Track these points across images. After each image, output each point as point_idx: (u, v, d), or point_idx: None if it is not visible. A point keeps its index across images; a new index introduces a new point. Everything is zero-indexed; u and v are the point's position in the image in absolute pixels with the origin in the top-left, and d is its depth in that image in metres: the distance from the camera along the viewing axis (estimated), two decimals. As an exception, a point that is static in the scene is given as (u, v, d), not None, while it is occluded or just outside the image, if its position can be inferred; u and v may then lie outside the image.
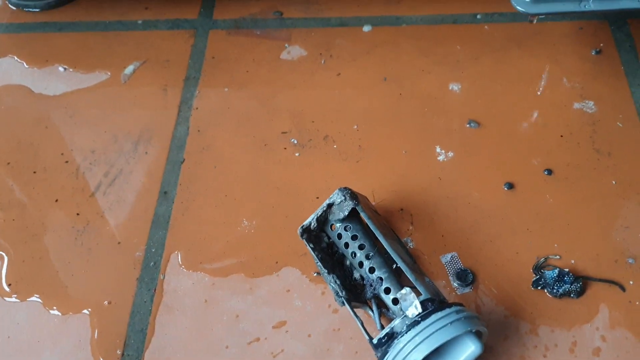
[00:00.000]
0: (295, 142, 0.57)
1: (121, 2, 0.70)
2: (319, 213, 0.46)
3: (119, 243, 0.52)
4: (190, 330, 0.47)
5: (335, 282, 0.43)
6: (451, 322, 0.38)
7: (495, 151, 0.55)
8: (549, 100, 0.58)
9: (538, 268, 0.47)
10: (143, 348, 0.46)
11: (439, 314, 0.38)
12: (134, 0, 0.70)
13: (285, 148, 0.57)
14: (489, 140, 0.55)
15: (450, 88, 0.60)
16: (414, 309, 0.39)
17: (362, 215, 0.45)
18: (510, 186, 0.52)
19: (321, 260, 0.45)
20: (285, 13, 0.68)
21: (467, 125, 0.56)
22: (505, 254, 0.49)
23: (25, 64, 0.66)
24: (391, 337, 0.39)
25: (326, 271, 0.44)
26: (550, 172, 0.53)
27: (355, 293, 0.44)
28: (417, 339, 0.37)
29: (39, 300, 0.49)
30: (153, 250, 0.51)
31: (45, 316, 0.49)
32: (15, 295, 0.50)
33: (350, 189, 0.46)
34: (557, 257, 0.48)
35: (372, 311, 0.43)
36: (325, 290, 0.48)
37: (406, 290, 0.40)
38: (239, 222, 0.52)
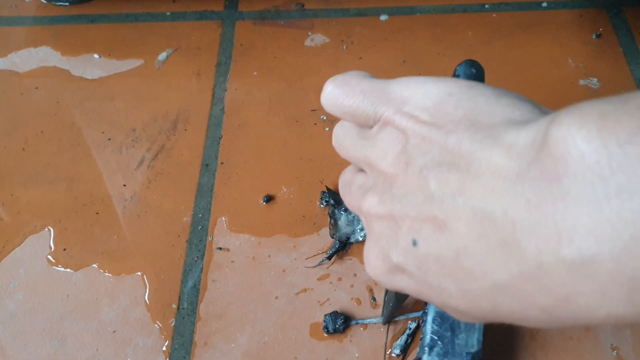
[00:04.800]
0: (324, 118, 0.61)
1: (149, -4, 0.75)
2: None
3: (166, 210, 0.55)
4: (241, 284, 0.51)
5: None
6: None
7: (511, 122, 0.59)
8: (557, 78, 0.63)
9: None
10: (197, 301, 0.50)
11: None
12: (162, -6, 0.75)
13: (315, 124, 0.61)
14: (505, 114, 0.60)
15: (465, 69, 0.64)
16: None
17: None
18: (527, 152, 0.57)
19: None
20: (307, 5, 0.73)
21: (484, 101, 0.61)
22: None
23: (60, 53, 0.70)
24: None
25: None
26: (562, 139, 0.58)
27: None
28: None
29: (94, 263, 0.53)
30: (200, 215, 0.55)
31: (101, 277, 0.52)
32: (70, 260, 0.53)
33: None
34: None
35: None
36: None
37: None
38: (278, 189, 0.56)
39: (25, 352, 0.48)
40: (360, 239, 0.51)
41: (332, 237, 0.52)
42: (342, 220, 0.53)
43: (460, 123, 0.25)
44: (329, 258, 0.51)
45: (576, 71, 0.63)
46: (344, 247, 0.51)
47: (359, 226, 0.52)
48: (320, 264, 0.51)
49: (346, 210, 0.53)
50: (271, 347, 0.47)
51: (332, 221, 0.52)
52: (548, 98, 0.61)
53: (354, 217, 0.52)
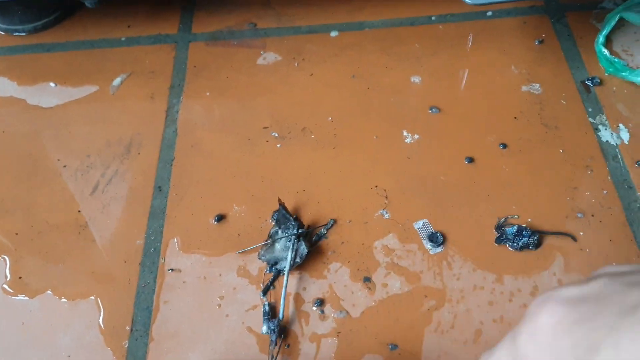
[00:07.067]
0: (276, 135, 0.63)
1: (104, 22, 0.76)
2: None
3: (119, 234, 0.56)
4: (193, 304, 0.52)
5: None
6: None
7: (455, 131, 0.61)
8: (500, 85, 0.64)
9: (499, 227, 0.53)
10: (150, 323, 0.51)
11: None
12: (116, 20, 0.76)
13: (267, 141, 0.62)
14: (449, 123, 0.62)
15: (412, 80, 0.66)
16: None
17: None
18: (471, 160, 0.58)
19: None
20: (259, 24, 0.74)
21: (429, 111, 0.63)
22: (470, 217, 0.55)
23: (17, 83, 0.71)
24: None
25: None
26: (505, 146, 0.59)
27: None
28: None
29: (49, 290, 0.53)
30: (152, 238, 0.56)
31: (57, 303, 0.53)
32: (26, 287, 0.54)
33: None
34: (516, 216, 0.54)
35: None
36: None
37: None
38: (230, 207, 0.57)
39: (-20, 381, 0.49)
40: (288, 268, 0.52)
41: (259, 258, 0.53)
42: (281, 243, 0.53)
43: None
44: (265, 292, 0.52)
45: (519, 77, 0.65)
46: (278, 275, 0.52)
47: (289, 256, 0.52)
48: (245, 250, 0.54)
49: (287, 235, 0.53)
50: (222, 364, 0.48)
51: (270, 241, 0.53)
52: (491, 105, 0.63)
53: (292, 245, 0.53)
